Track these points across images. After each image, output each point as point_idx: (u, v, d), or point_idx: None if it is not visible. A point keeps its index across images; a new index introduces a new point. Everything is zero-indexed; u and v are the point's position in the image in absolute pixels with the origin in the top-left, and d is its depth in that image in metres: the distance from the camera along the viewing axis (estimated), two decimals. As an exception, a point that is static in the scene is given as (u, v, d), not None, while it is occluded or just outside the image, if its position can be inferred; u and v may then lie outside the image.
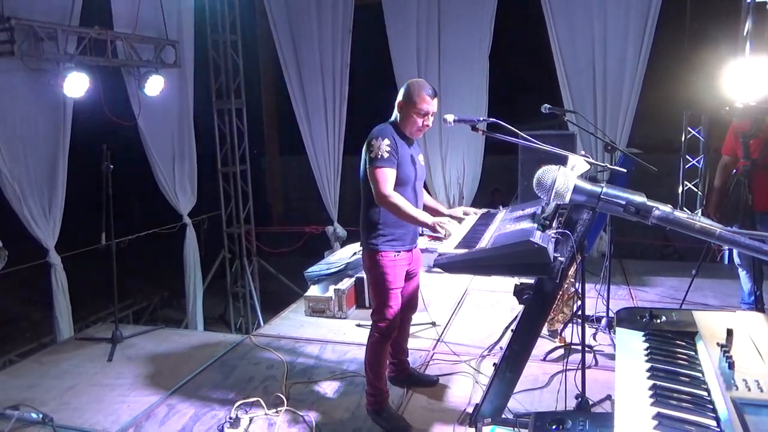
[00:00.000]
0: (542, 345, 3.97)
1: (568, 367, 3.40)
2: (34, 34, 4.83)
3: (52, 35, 4.97)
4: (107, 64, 5.67)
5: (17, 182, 5.03)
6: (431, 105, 3.04)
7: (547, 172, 1.43)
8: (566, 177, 1.38)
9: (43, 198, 5.31)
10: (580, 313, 3.36)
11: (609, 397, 3.28)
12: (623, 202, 1.33)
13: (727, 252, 6.49)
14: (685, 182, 7.15)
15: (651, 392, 1.36)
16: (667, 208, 1.29)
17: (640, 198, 1.32)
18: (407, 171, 3.06)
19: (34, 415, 3.35)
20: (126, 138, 6.40)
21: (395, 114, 3.13)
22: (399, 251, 3.13)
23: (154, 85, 6.04)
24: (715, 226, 1.21)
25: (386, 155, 2.94)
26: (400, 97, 3.08)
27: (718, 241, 1.22)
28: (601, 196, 1.36)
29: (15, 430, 3.28)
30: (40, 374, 4.09)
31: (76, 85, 5.05)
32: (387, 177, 2.95)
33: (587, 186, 1.39)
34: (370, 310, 3.29)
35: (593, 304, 4.45)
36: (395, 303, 3.15)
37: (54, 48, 4.99)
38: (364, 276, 5.10)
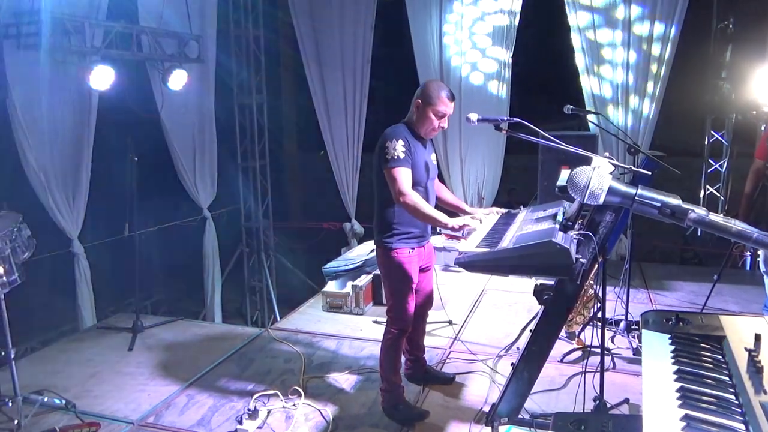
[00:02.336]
0: (560, 347, 3.96)
1: (586, 370, 3.39)
2: (62, 28, 4.90)
3: (80, 29, 5.04)
4: (132, 57, 5.74)
5: (43, 172, 5.12)
6: (449, 107, 3.07)
7: (581, 173, 1.43)
8: (601, 178, 1.38)
9: (67, 188, 5.40)
10: (599, 315, 3.35)
11: (627, 401, 3.27)
12: (659, 204, 1.33)
13: (749, 258, 6.40)
14: (707, 186, 7.07)
15: (678, 394, 1.36)
16: (702, 211, 1.28)
17: (675, 200, 1.32)
18: (420, 171, 3.09)
19: (57, 401, 3.42)
20: (148, 131, 6.46)
21: (411, 113, 3.14)
22: (413, 248, 3.18)
23: (178, 80, 6.10)
24: (751, 230, 1.20)
25: (402, 155, 2.97)
26: (417, 96, 3.10)
27: (755, 244, 1.21)
28: (636, 198, 1.36)
29: (39, 415, 3.35)
30: (62, 361, 4.17)
31: (102, 77, 5.12)
32: (404, 176, 2.97)
33: (622, 187, 1.39)
34: (386, 307, 3.31)
35: (612, 307, 4.42)
36: (410, 299, 3.20)
37: (81, 41, 5.06)
38: (381, 273, 5.13)
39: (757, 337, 1.51)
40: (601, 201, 1.39)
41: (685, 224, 1.31)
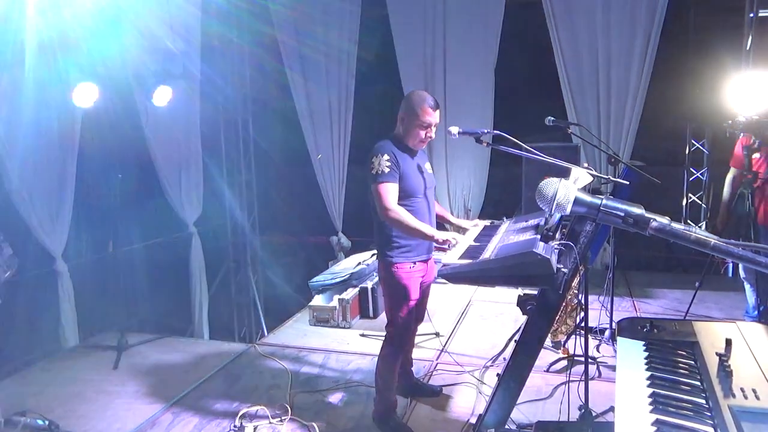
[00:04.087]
0: (545, 356, 3.99)
1: (571, 379, 3.42)
2: (45, 44, 4.88)
3: (63, 45, 5.03)
4: (116, 74, 5.72)
5: (26, 190, 5.08)
6: (433, 116, 3.08)
7: (548, 185, 1.47)
8: (567, 189, 1.42)
9: (51, 206, 5.35)
10: (583, 324, 3.38)
11: (612, 409, 3.29)
12: (622, 214, 1.37)
13: (731, 265, 6.49)
14: (689, 195, 7.17)
15: (650, 400, 1.39)
16: (664, 220, 1.33)
17: (638, 210, 1.36)
18: (413, 182, 3.10)
19: (40, 422, 3.38)
20: (133, 147, 6.44)
21: (397, 126, 3.16)
22: (415, 262, 3.17)
23: (162, 96, 6.09)
24: (710, 237, 1.24)
25: (387, 170, 2.97)
26: (402, 109, 3.13)
27: (712, 251, 1.25)
28: (601, 208, 1.40)
29: (21, 436, 3.31)
30: (46, 381, 4.12)
31: (86, 95, 5.10)
32: (389, 192, 2.98)
33: (587, 198, 1.43)
34: (382, 320, 3.31)
35: (596, 316, 4.47)
36: (410, 314, 3.19)
37: (64, 58, 5.04)
38: (368, 286, 5.14)
39: (728, 342, 1.55)
40: (568, 211, 1.43)
41: (647, 233, 1.35)
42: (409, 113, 3.07)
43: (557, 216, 2.69)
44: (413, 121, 3.06)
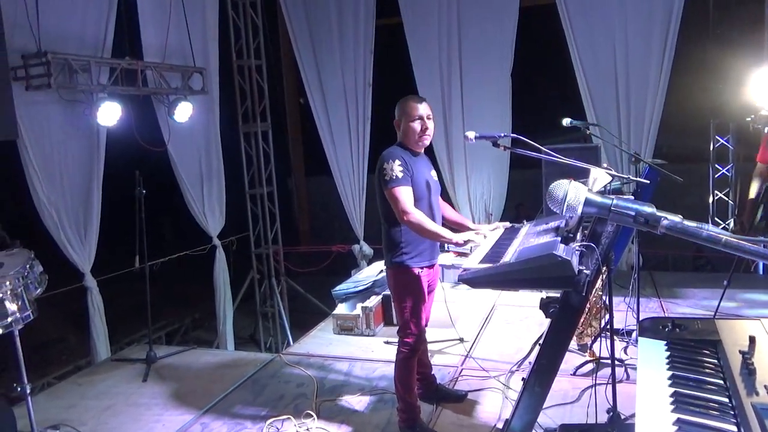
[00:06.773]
0: (572, 359, 3.94)
1: (598, 382, 3.37)
2: (68, 67, 5.03)
3: (86, 67, 5.17)
4: (138, 92, 5.85)
5: (54, 209, 5.21)
6: (424, 109, 3.18)
7: (558, 186, 1.48)
8: (577, 190, 1.42)
9: (79, 223, 5.48)
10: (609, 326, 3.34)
11: (641, 411, 3.23)
12: (633, 213, 1.37)
13: (761, 262, 6.34)
14: (716, 191, 7.04)
15: (672, 399, 1.37)
16: (676, 218, 1.32)
17: (649, 209, 1.36)
18: (421, 188, 3.15)
19: (73, 435, 3.45)
20: (156, 163, 6.57)
21: (398, 134, 3.26)
22: (423, 267, 3.19)
23: (183, 112, 6.21)
24: (721, 234, 1.23)
25: (400, 174, 3.03)
26: (395, 117, 3.24)
27: (723, 248, 1.24)
28: (612, 208, 1.40)
29: (55, 450, 3.38)
30: (78, 395, 4.20)
31: (109, 114, 5.23)
32: (405, 195, 3.02)
33: (598, 198, 1.43)
34: (397, 327, 3.33)
35: (623, 318, 4.40)
36: (421, 318, 3.22)
37: (87, 79, 5.19)
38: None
39: (752, 340, 1.53)
40: (579, 212, 1.43)
41: (659, 231, 1.34)
42: (401, 116, 3.20)
43: (578, 217, 2.67)
44: (407, 120, 3.16)
